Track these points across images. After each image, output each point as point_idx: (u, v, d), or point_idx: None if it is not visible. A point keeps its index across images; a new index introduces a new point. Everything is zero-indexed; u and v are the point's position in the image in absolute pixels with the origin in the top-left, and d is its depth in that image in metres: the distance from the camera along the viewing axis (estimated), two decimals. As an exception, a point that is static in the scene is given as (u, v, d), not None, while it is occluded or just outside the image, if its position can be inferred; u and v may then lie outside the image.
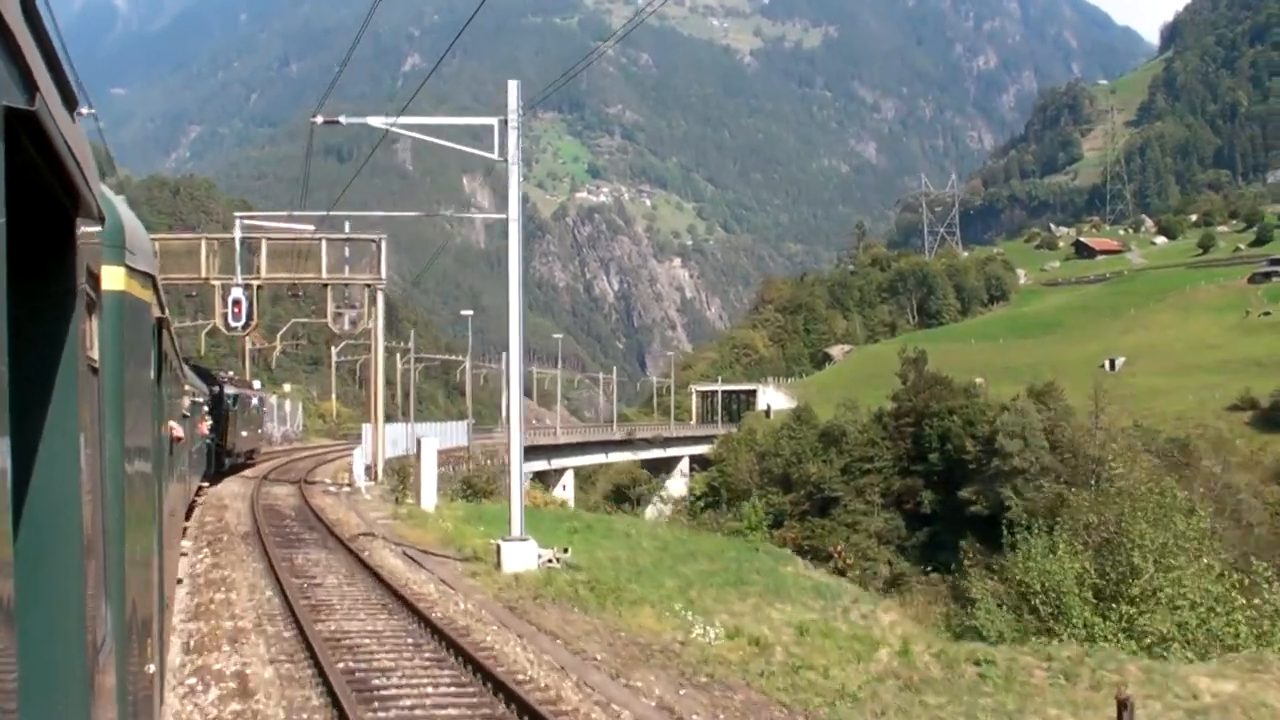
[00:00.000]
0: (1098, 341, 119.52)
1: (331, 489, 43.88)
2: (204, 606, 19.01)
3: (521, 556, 23.48)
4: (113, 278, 4.69)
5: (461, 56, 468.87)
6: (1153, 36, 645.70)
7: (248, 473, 49.69)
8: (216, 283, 45.67)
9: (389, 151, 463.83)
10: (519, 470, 25.29)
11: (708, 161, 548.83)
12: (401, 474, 43.21)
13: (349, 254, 48.73)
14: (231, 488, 41.84)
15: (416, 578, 22.42)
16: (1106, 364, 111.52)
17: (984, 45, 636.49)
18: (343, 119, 27.44)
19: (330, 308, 49.11)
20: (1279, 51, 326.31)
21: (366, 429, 51.73)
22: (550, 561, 23.85)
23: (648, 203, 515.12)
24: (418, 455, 38.34)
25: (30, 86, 2.42)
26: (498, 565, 23.46)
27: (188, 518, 29.92)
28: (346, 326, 49.75)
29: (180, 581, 21.79)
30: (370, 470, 46.77)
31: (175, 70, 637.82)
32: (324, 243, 46.87)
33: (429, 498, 36.64)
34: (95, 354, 4.02)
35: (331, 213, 42.00)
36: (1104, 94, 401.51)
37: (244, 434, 49.11)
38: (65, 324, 3.36)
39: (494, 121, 24.76)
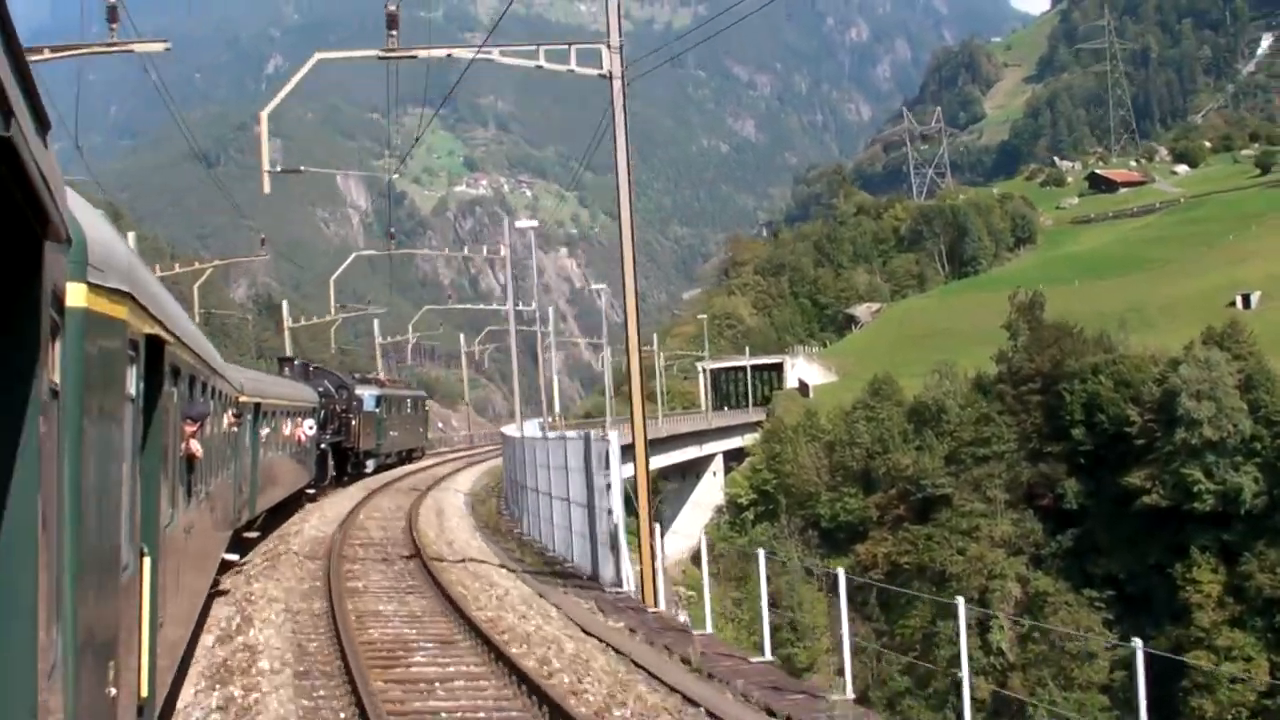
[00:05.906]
0: (1204, 276, 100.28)
1: None
2: None
3: None
4: (75, 295, 4.31)
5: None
6: (1021, 1, 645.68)
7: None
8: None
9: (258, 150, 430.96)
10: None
11: (585, 148, 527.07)
12: None
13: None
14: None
15: None
16: (1238, 300, 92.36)
17: (855, 16, 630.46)
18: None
19: None
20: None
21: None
22: None
23: (528, 193, 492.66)
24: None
25: (5, 112, 2.29)
26: None
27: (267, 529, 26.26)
28: None
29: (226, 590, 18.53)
30: None
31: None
32: None
33: None
34: (57, 377, 3.79)
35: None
36: (1000, 50, 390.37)
37: (393, 434, 48.52)
38: (30, 349, 3.19)
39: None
